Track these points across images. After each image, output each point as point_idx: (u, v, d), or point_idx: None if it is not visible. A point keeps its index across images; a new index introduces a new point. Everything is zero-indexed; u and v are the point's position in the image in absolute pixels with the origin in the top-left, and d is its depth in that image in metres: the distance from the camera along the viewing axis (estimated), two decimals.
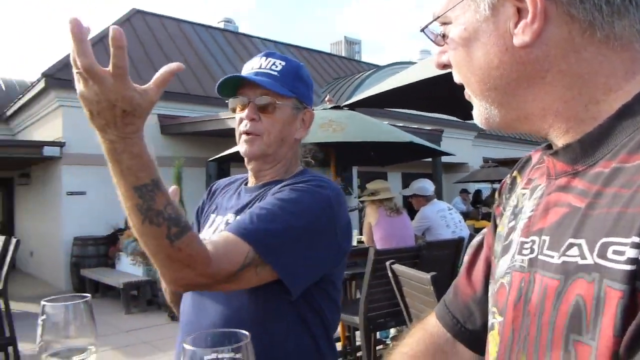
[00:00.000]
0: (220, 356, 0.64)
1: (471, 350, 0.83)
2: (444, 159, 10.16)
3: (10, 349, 4.40)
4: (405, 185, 12.55)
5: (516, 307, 0.60)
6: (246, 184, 1.33)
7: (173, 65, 0.84)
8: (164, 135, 9.44)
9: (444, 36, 0.65)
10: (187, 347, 0.62)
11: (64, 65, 8.76)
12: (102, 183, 9.01)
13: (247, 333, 0.65)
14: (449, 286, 2.51)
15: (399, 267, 2.57)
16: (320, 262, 1.13)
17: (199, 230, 1.34)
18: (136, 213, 0.87)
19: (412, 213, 4.97)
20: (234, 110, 1.25)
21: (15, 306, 5.10)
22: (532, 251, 0.59)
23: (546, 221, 0.59)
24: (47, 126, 9.29)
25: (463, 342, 0.83)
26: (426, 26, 0.66)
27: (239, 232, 1.03)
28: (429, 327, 0.90)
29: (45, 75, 8.28)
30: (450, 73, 0.68)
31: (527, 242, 0.61)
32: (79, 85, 0.79)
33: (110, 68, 0.77)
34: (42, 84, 8.40)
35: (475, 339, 0.81)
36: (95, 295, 7.59)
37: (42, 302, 0.91)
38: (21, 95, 9.91)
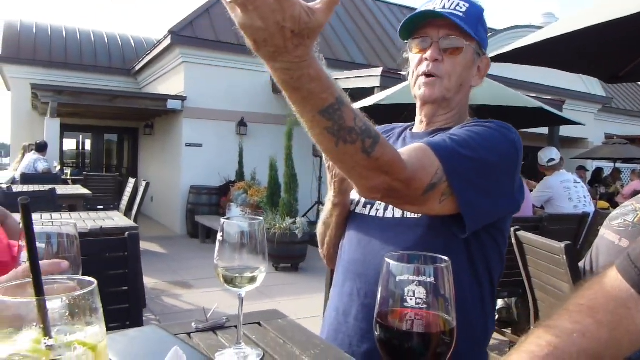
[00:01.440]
0: (411, 278, 0.65)
1: None
2: (562, 132, 9.45)
3: None
4: None
5: None
6: (410, 129, 1.30)
7: None
8: (275, 94, 9.71)
9: None
10: (390, 261, 0.64)
11: (189, 23, 9.26)
12: (217, 136, 9.59)
13: (447, 258, 0.64)
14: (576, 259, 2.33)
15: (525, 235, 2.46)
16: (498, 204, 1.10)
17: None
18: (328, 137, 0.83)
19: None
20: (418, 51, 1.20)
21: None
22: None
23: None
24: (170, 81, 9.95)
25: None
26: None
27: (432, 145, 1.01)
28: (608, 280, 0.84)
29: (172, 32, 8.81)
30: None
31: None
32: (237, 16, 0.70)
33: None
34: (168, 41, 8.95)
35: None
36: (206, 241, 8.17)
37: (222, 220, 0.98)
38: (148, 52, 10.67)
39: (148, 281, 5.39)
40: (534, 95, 9.86)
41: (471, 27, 1.15)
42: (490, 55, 3.03)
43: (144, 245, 7.61)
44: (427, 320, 0.63)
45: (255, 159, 8.72)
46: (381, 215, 1.19)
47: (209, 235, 8.20)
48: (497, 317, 4.25)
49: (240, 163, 8.95)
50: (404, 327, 0.63)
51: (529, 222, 3.50)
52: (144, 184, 5.56)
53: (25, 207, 0.49)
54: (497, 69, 5.85)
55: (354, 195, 1.28)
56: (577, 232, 3.79)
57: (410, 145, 1.04)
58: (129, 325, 1.74)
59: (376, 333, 0.65)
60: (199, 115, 9.08)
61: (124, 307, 1.75)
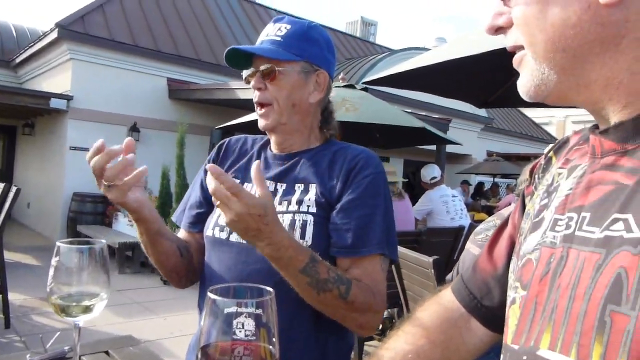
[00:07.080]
0: (240, 310, 0.63)
1: (485, 326, 0.83)
2: (449, 148, 10.12)
3: None
4: (407, 171, 12.55)
5: (542, 281, 0.60)
6: (267, 147, 1.29)
7: (257, 165, 0.93)
8: (171, 100, 9.38)
9: None
10: (212, 296, 0.61)
11: (80, 17, 8.66)
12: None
13: (271, 290, 0.64)
14: (446, 273, 2.49)
15: (400, 250, 2.57)
16: None
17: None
18: (309, 290, 1.00)
19: (414, 199, 4.98)
20: (248, 82, 1.22)
21: (7, 256, 5.06)
22: (568, 227, 0.59)
23: (587, 199, 0.58)
24: (55, 78, 9.21)
25: (477, 318, 0.83)
26: None
27: (371, 250, 1.11)
28: (443, 301, 0.89)
29: (59, 25, 8.18)
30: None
31: (562, 219, 0.61)
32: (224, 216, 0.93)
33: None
34: (54, 34, 8.29)
35: (490, 315, 0.81)
36: None
37: (58, 243, 0.90)
38: (32, 44, 9.80)
39: (15, 297, 4.88)
40: (424, 113, 10.49)
41: (291, 48, 1.16)
42: (366, 79, 3.15)
43: (12, 256, 6.92)
44: (253, 352, 0.62)
45: (147, 167, 8.32)
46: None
47: None
48: (380, 326, 4.41)
49: None
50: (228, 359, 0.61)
51: (409, 235, 3.68)
52: (14, 189, 5.05)
53: None
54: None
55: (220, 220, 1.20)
56: (454, 245, 4.05)
57: (364, 264, 1.11)
58: None
59: None
60: (87, 117, 8.48)
61: None
